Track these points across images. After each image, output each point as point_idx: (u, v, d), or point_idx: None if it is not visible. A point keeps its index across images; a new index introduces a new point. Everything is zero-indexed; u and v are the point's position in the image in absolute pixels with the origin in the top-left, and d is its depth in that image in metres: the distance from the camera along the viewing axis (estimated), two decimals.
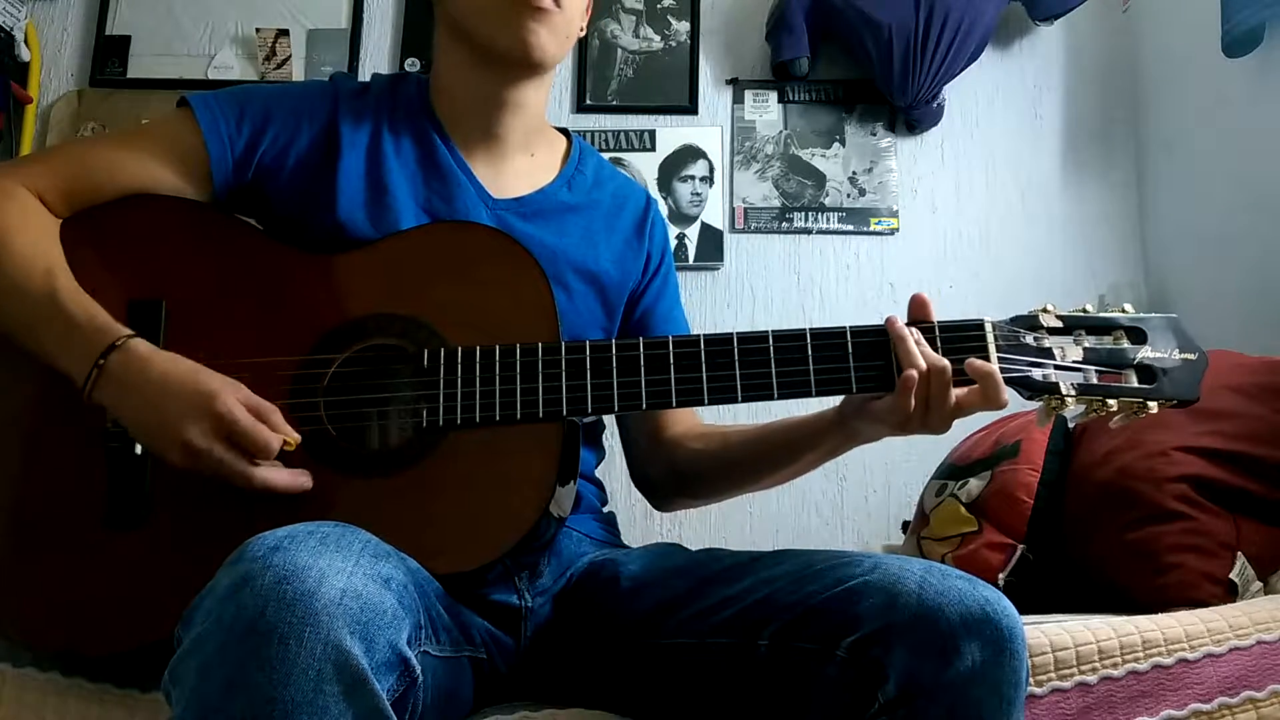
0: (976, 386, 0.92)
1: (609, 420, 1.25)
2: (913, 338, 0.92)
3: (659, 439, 1.18)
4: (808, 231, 2.27)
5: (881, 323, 0.95)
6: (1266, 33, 1.73)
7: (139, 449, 0.92)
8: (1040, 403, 0.94)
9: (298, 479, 0.89)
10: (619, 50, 2.35)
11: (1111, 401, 0.92)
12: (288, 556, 0.69)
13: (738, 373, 0.93)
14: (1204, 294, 1.98)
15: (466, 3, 1.06)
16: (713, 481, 1.17)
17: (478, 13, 1.05)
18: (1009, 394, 0.94)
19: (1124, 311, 0.96)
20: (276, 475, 0.88)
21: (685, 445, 1.16)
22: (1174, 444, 1.29)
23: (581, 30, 1.15)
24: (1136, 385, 0.93)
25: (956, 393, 0.91)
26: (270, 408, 0.89)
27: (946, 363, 0.91)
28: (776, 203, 2.28)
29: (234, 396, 0.87)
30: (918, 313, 0.96)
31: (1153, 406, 0.92)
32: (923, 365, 0.91)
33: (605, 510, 1.18)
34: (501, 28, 1.04)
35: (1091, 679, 0.98)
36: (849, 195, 2.27)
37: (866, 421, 0.97)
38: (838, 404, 1.02)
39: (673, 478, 1.19)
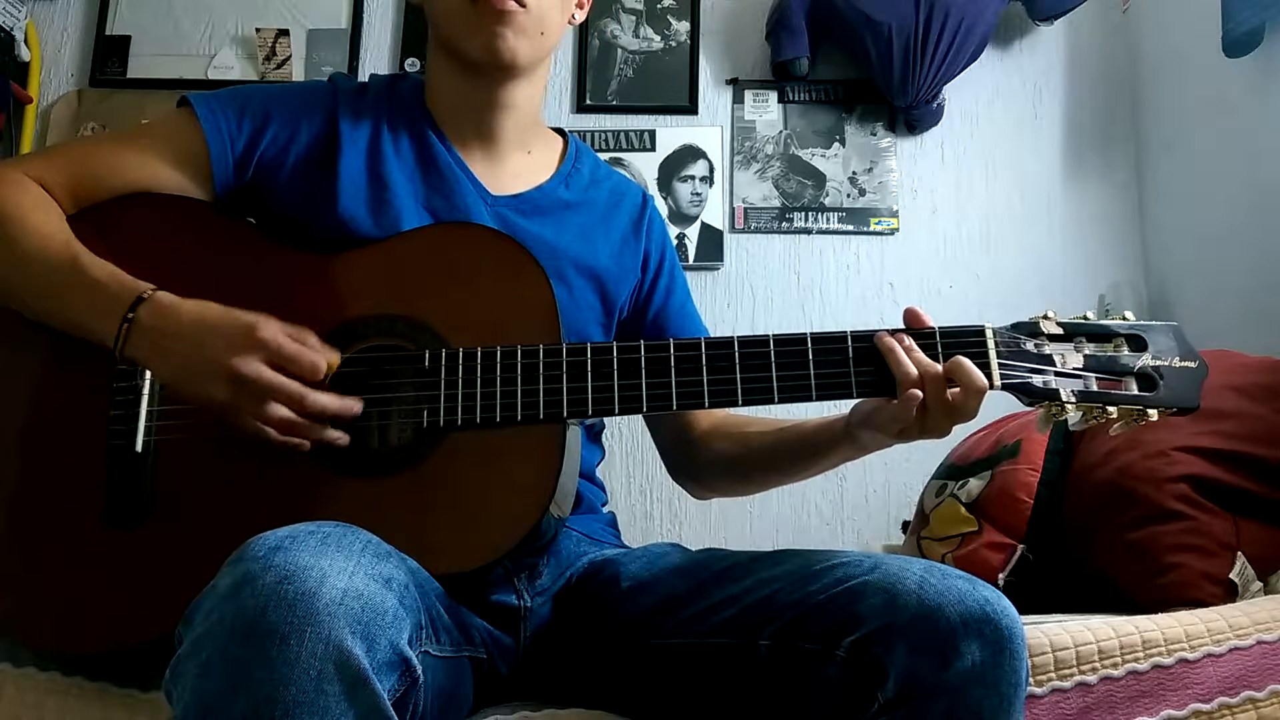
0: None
1: (623, 420, 1.25)
2: (902, 346, 0.92)
3: (687, 439, 1.19)
4: (808, 231, 2.27)
5: (881, 324, 0.95)
6: (1266, 33, 1.73)
7: (139, 446, 0.92)
8: (1040, 409, 0.94)
9: (346, 402, 0.90)
10: (619, 50, 2.35)
11: (1111, 409, 0.92)
12: (289, 556, 0.69)
13: (738, 376, 0.93)
14: (1204, 294, 1.98)
15: (439, 11, 1.07)
16: (735, 482, 1.20)
17: (447, 20, 1.06)
18: (1009, 397, 0.94)
19: (1124, 319, 0.96)
20: (328, 398, 0.88)
21: (710, 446, 1.17)
22: (1174, 444, 1.29)
23: (572, 20, 1.15)
24: (1136, 393, 0.93)
25: (950, 391, 0.91)
26: (307, 332, 0.90)
27: (938, 366, 0.91)
28: (776, 203, 2.28)
29: (274, 324, 0.88)
30: (912, 324, 0.95)
31: (1152, 414, 0.92)
32: (914, 372, 0.91)
33: (605, 510, 1.18)
34: (469, 34, 1.05)
35: (1091, 679, 0.98)
36: (849, 195, 2.27)
37: (870, 432, 0.97)
38: (845, 414, 1.02)
39: (699, 474, 1.21)
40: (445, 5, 1.06)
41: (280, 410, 0.87)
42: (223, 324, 0.89)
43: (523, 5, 1.03)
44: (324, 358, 0.89)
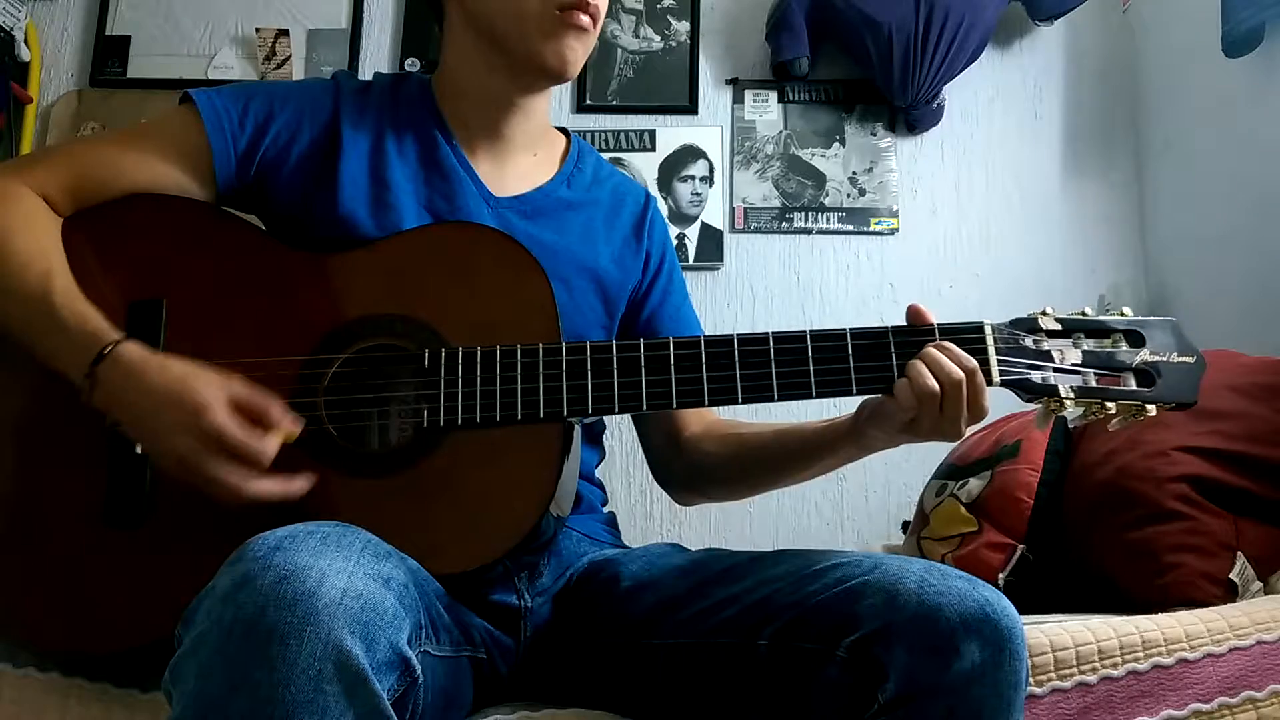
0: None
1: (623, 420, 1.25)
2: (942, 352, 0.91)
3: (677, 440, 1.18)
4: (808, 231, 2.27)
5: (881, 323, 0.95)
6: (1266, 33, 1.73)
7: (140, 448, 0.92)
8: (1039, 405, 0.94)
9: (289, 486, 0.88)
10: (619, 50, 2.35)
11: (1110, 404, 0.92)
12: (288, 556, 0.69)
13: (738, 374, 0.93)
14: (1204, 294, 1.98)
15: (502, 10, 1.05)
16: (728, 484, 1.18)
17: (517, 23, 1.04)
18: (1009, 395, 0.94)
19: (1122, 314, 0.97)
20: (268, 485, 0.86)
21: (701, 447, 1.16)
22: (1174, 444, 1.29)
23: None
24: (1134, 388, 0.93)
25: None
26: (267, 404, 0.88)
27: (962, 374, 0.90)
28: (776, 203, 2.28)
29: (225, 407, 0.86)
30: (915, 321, 0.95)
31: (1151, 410, 0.92)
32: (959, 374, 0.89)
33: (605, 510, 1.18)
34: (543, 43, 1.04)
35: (1091, 679, 0.98)
36: (849, 195, 2.27)
37: (882, 430, 0.96)
38: (852, 413, 1.01)
39: (690, 478, 1.20)
40: (517, 6, 1.04)
41: (227, 495, 0.86)
42: (174, 400, 0.86)
43: (595, 26, 1.06)
44: (275, 442, 0.87)
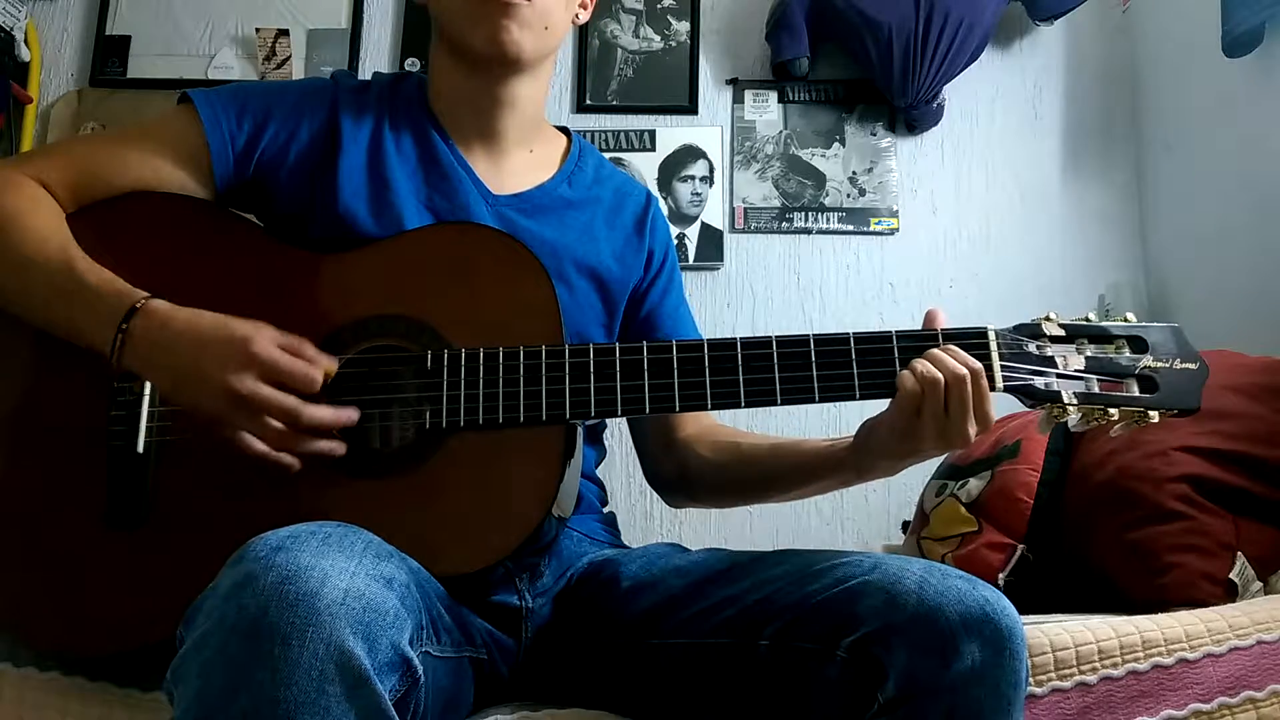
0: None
1: (622, 420, 1.25)
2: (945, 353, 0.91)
3: (670, 441, 1.18)
4: (808, 231, 2.27)
5: (881, 323, 0.95)
6: (1266, 33, 1.73)
7: (140, 447, 0.92)
8: (1042, 411, 0.94)
9: (343, 413, 0.89)
10: (619, 50, 2.35)
11: (1113, 410, 0.92)
12: (290, 557, 0.69)
13: (741, 378, 0.93)
14: (1204, 294, 1.98)
15: (444, 5, 1.07)
16: (721, 493, 1.18)
17: (451, 14, 1.06)
18: (1009, 396, 0.94)
19: (1125, 320, 0.97)
20: (324, 411, 0.88)
21: (696, 452, 1.15)
22: (1174, 444, 1.29)
23: (576, 20, 1.15)
24: (1137, 394, 0.93)
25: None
26: (302, 341, 0.90)
27: (966, 370, 0.90)
28: (776, 203, 2.28)
29: (268, 338, 0.88)
30: (928, 326, 0.95)
31: (1154, 416, 0.92)
32: (963, 370, 0.89)
33: (605, 510, 1.18)
34: (473, 27, 1.04)
35: (1091, 679, 0.98)
36: (849, 195, 2.27)
37: (884, 442, 0.94)
38: (849, 442, 1.00)
39: (683, 481, 1.19)
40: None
41: (275, 425, 0.87)
42: (216, 337, 0.88)
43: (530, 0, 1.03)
44: (319, 368, 0.89)
